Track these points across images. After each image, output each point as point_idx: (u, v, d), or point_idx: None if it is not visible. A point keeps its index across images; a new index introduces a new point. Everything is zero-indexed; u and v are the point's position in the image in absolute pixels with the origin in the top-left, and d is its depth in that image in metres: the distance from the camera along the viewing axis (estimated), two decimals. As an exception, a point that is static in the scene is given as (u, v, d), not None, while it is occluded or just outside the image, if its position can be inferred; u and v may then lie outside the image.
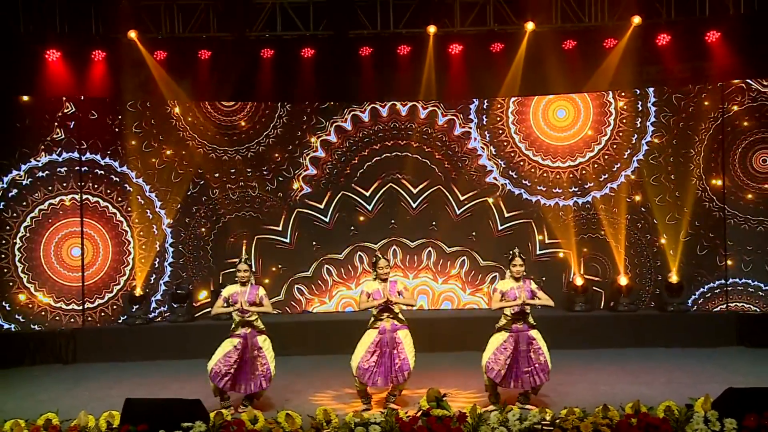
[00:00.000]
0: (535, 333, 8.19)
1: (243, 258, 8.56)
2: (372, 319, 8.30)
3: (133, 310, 11.82)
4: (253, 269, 8.47)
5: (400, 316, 8.30)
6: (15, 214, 11.58)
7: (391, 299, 8.19)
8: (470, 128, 12.62)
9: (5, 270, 11.52)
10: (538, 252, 12.55)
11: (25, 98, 11.62)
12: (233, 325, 8.35)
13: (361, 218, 12.69)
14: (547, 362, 8.10)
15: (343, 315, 12.28)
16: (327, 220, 12.65)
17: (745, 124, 11.91)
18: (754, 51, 11.33)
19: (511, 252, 8.33)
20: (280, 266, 12.58)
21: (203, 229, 12.43)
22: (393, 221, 12.69)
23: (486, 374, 8.14)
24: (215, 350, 8.37)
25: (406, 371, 8.14)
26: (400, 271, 12.48)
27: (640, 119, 12.33)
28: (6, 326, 11.42)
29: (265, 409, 7.91)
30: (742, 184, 11.93)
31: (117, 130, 12.09)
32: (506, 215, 12.63)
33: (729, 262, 11.95)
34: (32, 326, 11.54)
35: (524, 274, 8.23)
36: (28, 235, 11.64)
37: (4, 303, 11.47)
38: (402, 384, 8.21)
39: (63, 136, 11.76)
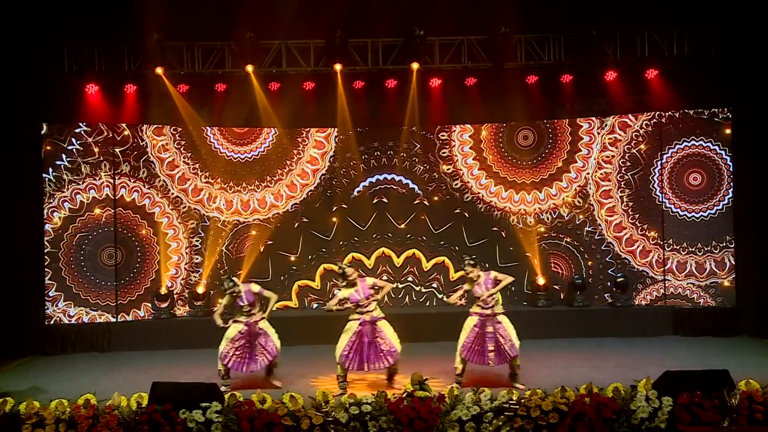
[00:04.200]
0: (502, 318, 8.34)
1: (227, 279, 8.82)
2: (352, 314, 8.36)
3: (159, 306, 11.80)
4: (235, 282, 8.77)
5: (378, 308, 8.36)
6: (61, 224, 11.55)
7: (371, 292, 8.29)
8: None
9: (57, 273, 11.51)
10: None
11: (68, 125, 11.62)
12: (238, 315, 8.66)
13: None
14: (513, 341, 8.27)
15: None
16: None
17: (679, 147, 11.98)
18: (685, 86, 11.59)
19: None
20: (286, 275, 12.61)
21: (218, 237, 12.44)
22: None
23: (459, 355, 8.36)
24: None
25: (395, 353, 8.19)
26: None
27: (591, 142, 12.39)
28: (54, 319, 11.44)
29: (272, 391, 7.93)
30: (679, 198, 12.00)
31: (146, 150, 12.08)
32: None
33: (667, 265, 12.03)
34: (74, 320, 11.52)
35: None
36: (72, 242, 11.60)
37: (50, 301, 11.46)
38: (394, 365, 8.23)
39: (100, 158, 11.74)
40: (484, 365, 8.37)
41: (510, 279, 8.47)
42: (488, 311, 8.31)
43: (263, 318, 8.69)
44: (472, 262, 8.48)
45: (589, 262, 12.41)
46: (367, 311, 8.25)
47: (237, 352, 8.48)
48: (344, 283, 8.39)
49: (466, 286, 8.50)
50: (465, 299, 8.60)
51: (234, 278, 8.87)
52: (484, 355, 8.23)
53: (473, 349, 8.28)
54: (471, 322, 8.39)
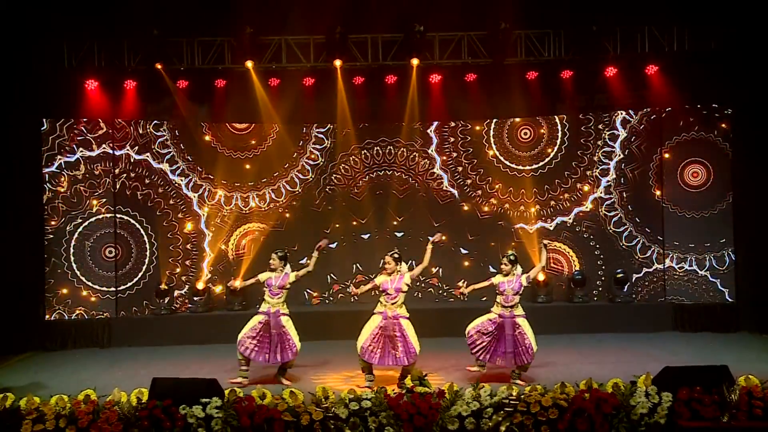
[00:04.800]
0: (522, 321, 8.30)
1: (277, 252, 8.72)
2: (377, 305, 8.29)
3: (159, 302, 11.79)
4: (285, 260, 8.67)
5: (404, 307, 8.29)
6: (61, 220, 11.55)
7: (402, 288, 8.21)
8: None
9: (57, 269, 11.52)
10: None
11: (68, 121, 11.60)
12: (262, 304, 8.57)
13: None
14: (531, 345, 8.24)
15: (342, 306, 12.25)
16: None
17: (679, 142, 11.97)
18: (686, 82, 11.59)
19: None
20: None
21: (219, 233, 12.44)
22: None
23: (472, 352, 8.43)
24: (235, 332, 8.62)
25: (413, 354, 8.12)
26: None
27: (591, 138, 12.39)
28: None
29: (272, 387, 7.93)
30: (678, 194, 11.99)
31: (146, 146, 12.08)
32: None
33: (667, 261, 12.02)
34: (74, 315, 11.52)
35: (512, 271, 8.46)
36: (72, 237, 11.59)
37: (50, 297, 11.45)
38: (410, 366, 8.08)
39: (99, 153, 11.73)
40: (495, 364, 8.42)
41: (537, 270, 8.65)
42: (508, 311, 8.31)
43: (286, 315, 8.57)
44: (512, 258, 8.52)
45: (589, 258, 12.40)
46: (392, 305, 8.20)
47: (254, 342, 8.42)
48: (382, 270, 8.35)
49: (494, 280, 8.50)
50: (467, 290, 8.57)
51: (287, 261, 8.64)
52: (499, 355, 8.26)
53: (489, 350, 8.31)
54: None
